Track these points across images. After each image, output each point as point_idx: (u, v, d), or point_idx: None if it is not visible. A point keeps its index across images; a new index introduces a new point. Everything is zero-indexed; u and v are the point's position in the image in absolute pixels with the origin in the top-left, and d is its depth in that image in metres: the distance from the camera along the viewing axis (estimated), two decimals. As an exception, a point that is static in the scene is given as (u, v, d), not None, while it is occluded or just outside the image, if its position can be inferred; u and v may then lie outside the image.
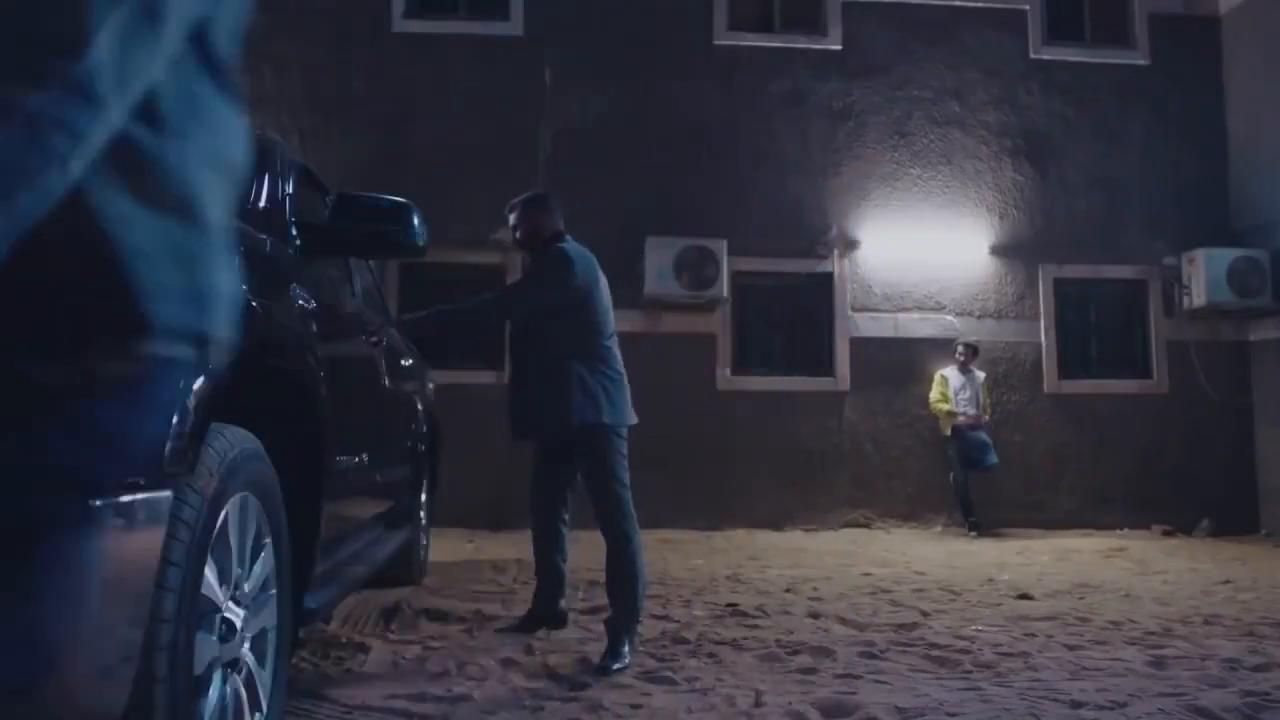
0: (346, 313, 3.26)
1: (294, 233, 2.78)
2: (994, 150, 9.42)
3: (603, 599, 4.79)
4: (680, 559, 6.56)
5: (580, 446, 3.65)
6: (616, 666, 3.41)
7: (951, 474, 8.53)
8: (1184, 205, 9.36)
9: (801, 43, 9.40)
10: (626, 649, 3.52)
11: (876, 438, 8.96)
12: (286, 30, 8.89)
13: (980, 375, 8.64)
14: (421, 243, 2.97)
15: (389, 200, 2.94)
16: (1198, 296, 8.91)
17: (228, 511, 1.80)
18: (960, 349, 8.61)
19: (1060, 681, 3.28)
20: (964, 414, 8.43)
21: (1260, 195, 9.03)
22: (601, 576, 5.47)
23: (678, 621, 4.30)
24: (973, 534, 8.20)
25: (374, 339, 3.62)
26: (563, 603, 4.09)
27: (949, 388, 8.52)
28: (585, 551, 6.23)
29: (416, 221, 2.94)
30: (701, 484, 8.52)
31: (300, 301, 2.44)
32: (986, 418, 8.56)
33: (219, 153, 1.27)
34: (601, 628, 4.09)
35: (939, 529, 8.65)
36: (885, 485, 8.89)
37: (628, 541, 3.61)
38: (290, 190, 2.95)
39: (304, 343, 2.38)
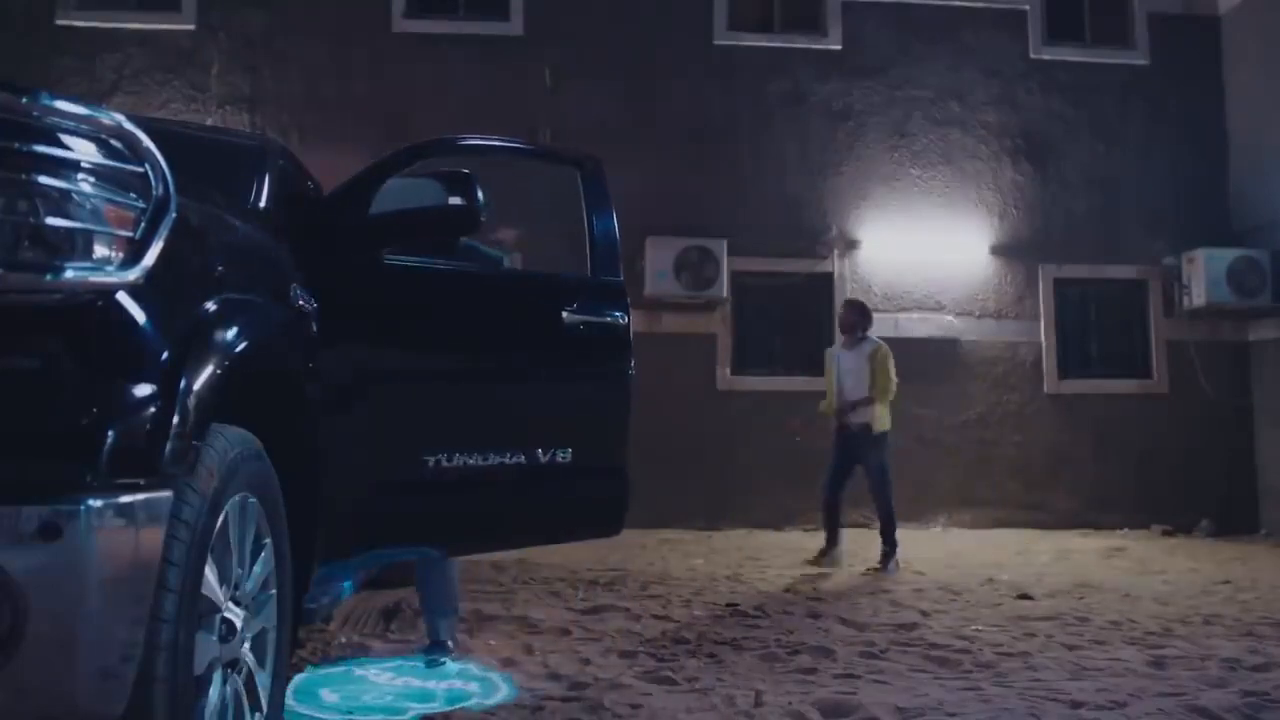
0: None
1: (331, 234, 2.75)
2: (994, 150, 9.42)
3: (603, 599, 4.81)
4: (680, 559, 6.57)
5: None
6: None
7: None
8: (1184, 205, 9.35)
9: (801, 43, 9.40)
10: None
11: (876, 438, 8.94)
12: (286, 30, 8.89)
13: (874, 346, 6.48)
14: (484, 216, 2.87)
15: (448, 171, 2.87)
16: (1197, 296, 8.90)
17: (228, 511, 1.80)
18: (839, 312, 6.92)
19: (1060, 681, 3.28)
20: (843, 406, 6.43)
21: (1260, 195, 9.02)
22: (602, 577, 5.52)
23: (678, 621, 4.30)
24: (817, 569, 6.22)
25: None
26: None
27: (832, 369, 6.58)
28: (585, 551, 6.25)
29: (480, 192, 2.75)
30: (701, 484, 8.52)
31: (301, 302, 2.43)
32: (855, 412, 6.36)
33: None
34: (602, 628, 4.11)
35: (939, 529, 8.64)
36: (885, 485, 8.87)
37: None
38: (294, 191, 2.95)
39: (305, 345, 2.38)
